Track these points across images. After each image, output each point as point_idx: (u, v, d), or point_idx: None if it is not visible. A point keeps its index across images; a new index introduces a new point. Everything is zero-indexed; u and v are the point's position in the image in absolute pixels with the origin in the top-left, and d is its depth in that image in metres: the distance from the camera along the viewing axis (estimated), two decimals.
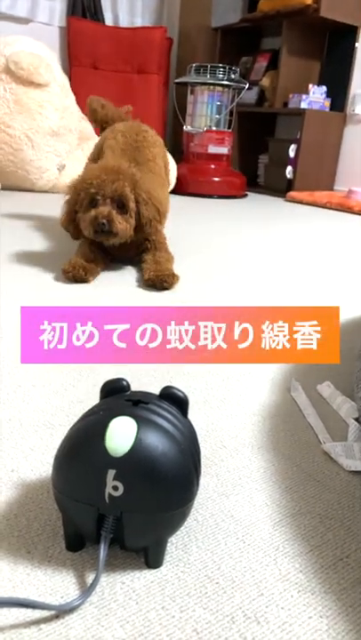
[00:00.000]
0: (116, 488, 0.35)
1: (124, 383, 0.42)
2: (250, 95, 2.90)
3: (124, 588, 0.37)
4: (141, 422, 0.37)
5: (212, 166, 2.66)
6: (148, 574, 0.38)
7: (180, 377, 0.68)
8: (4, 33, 2.35)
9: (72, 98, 2.38)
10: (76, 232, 1.11)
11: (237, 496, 0.47)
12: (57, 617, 0.34)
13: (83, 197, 1.04)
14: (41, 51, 2.20)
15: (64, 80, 2.33)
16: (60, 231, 1.51)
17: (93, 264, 1.07)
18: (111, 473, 0.35)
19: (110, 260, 1.17)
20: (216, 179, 2.65)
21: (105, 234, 1.04)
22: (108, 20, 3.08)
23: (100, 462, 0.36)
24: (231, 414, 0.60)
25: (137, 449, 0.36)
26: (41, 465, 0.49)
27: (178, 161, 2.55)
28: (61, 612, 0.34)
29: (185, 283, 1.09)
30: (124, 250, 1.14)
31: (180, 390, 0.42)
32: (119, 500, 0.36)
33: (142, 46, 2.90)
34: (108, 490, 0.35)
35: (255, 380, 0.69)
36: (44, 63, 2.11)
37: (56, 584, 0.37)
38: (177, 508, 0.37)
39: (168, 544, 0.39)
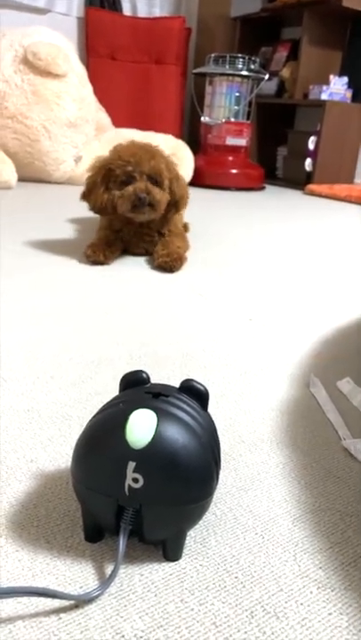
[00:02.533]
0: (136, 480, 0.35)
1: (144, 375, 0.42)
2: (269, 86, 2.87)
3: (143, 580, 0.37)
4: (162, 415, 0.37)
5: (230, 158, 2.64)
6: (166, 567, 0.38)
7: (198, 370, 0.68)
8: (22, 23, 2.35)
9: (89, 88, 2.37)
10: (98, 206, 1.12)
11: (256, 491, 0.46)
12: (76, 607, 0.34)
13: (118, 174, 1.08)
14: (59, 41, 2.20)
15: (82, 70, 2.32)
16: (76, 221, 1.52)
17: (112, 248, 1.15)
18: (131, 465, 0.35)
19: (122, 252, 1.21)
20: (234, 171, 2.63)
21: (142, 208, 1.08)
22: (127, 10, 3.06)
23: (121, 454, 0.36)
24: (249, 409, 0.60)
25: (157, 441, 0.36)
26: (59, 456, 0.49)
27: (195, 152, 2.54)
28: (80, 602, 0.34)
29: (196, 271, 1.09)
30: (140, 237, 1.18)
31: (200, 383, 0.42)
32: (139, 492, 0.35)
33: (160, 36, 2.88)
34: (128, 482, 0.35)
35: (274, 375, 0.69)
36: (62, 54, 2.11)
37: (75, 574, 0.37)
38: (196, 501, 0.37)
39: (187, 537, 0.39)
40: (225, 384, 0.65)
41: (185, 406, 0.39)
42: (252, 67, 2.56)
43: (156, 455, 0.36)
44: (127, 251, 1.22)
